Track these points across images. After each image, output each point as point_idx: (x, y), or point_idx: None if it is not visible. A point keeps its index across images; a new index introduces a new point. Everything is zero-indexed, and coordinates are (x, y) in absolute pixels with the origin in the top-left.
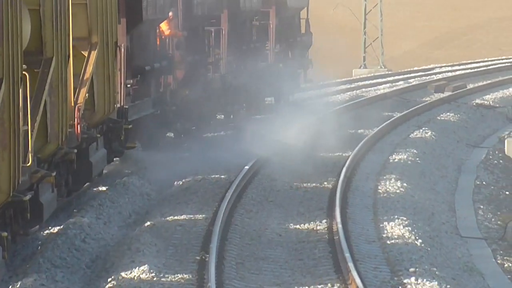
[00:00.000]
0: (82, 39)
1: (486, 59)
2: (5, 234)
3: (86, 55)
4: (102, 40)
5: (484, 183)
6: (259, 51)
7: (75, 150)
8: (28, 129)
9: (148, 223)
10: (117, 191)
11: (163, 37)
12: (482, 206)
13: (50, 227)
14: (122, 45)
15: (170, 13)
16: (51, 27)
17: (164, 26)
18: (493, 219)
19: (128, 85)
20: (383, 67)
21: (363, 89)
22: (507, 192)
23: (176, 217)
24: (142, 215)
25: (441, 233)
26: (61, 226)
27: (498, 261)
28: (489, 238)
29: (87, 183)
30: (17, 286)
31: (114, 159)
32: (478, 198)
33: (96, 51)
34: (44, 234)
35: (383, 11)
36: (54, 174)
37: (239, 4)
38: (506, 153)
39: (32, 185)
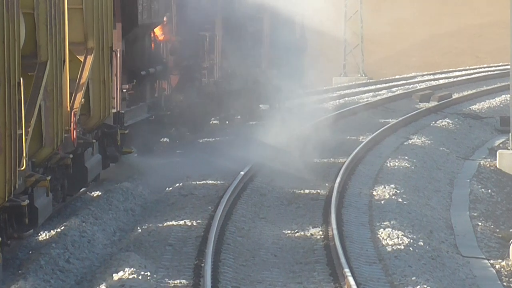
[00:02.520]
0: (78, 43)
1: (468, 67)
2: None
3: (82, 60)
4: (98, 45)
5: (479, 198)
6: (253, 56)
7: (71, 155)
8: (22, 133)
9: (135, 242)
10: (100, 207)
11: (157, 42)
12: (479, 223)
13: (32, 246)
14: (118, 50)
15: (165, 18)
16: (46, 30)
17: (158, 31)
18: (492, 237)
19: (124, 90)
20: (363, 75)
21: (346, 98)
22: (503, 208)
23: (164, 236)
24: (128, 232)
25: (442, 252)
26: (44, 245)
27: (504, 283)
28: (491, 257)
29: (83, 188)
30: None
31: (110, 164)
32: (474, 214)
33: (92, 56)
34: (25, 254)
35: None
36: (49, 178)
37: (233, 10)
38: (498, 166)
39: (27, 189)
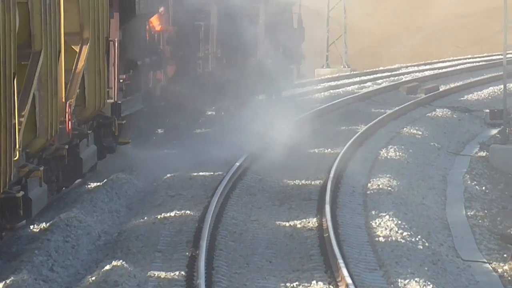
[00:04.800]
0: (73, 34)
1: (452, 58)
2: (41, 168)
3: (77, 50)
4: (93, 35)
5: (473, 195)
6: (249, 46)
7: (66, 146)
8: (15, 123)
9: (122, 247)
10: (84, 208)
11: (153, 32)
12: (476, 223)
13: (12, 253)
14: (116, 39)
15: (162, 8)
16: (40, 20)
17: (155, 21)
18: (491, 238)
19: (121, 80)
20: (346, 66)
21: (331, 91)
22: (499, 206)
23: (153, 241)
24: (113, 235)
25: (442, 256)
26: (26, 251)
27: None
28: (493, 260)
29: (78, 180)
30: None
31: (107, 155)
32: (470, 213)
33: (87, 46)
34: (5, 261)
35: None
36: (42, 168)
37: (227, 2)
38: (490, 161)
39: (20, 180)
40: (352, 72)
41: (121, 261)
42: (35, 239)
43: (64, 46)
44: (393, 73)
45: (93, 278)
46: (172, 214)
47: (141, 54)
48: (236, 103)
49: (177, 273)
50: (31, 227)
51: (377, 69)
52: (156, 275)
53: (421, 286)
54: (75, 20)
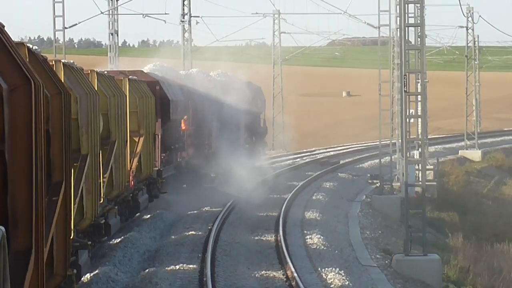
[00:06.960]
0: (134, 131)
1: (345, 145)
2: (89, 242)
3: (136, 140)
4: (146, 131)
5: (364, 225)
6: (235, 138)
7: (131, 195)
8: (101, 181)
9: (159, 259)
10: (134, 235)
11: (180, 129)
12: (368, 242)
13: (97, 259)
14: (159, 134)
15: (185, 116)
16: (115, 123)
17: (182, 123)
18: (378, 251)
19: (162, 157)
20: (284, 149)
21: (276, 164)
22: (379, 231)
23: (177, 256)
24: (152, 252)
25: (350, 263)
26: (102, 260)
27: (391, 282)
28: (380, 266)
29: (137, 214)
30: None
31: (154, 200)
32: (364, 236)
33: (142, 138)
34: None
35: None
36: (116, 207)
37: (222, 113)
38: (372, 205)
39: (104, 214)
40: (287, 153)
41: (158, 268)
42: (105, 255)
43: (129, 138)
44: (312, 153)
45: (141, 276)
46: (188, 238)
47: (173, 142)
48: (227, 170)
49: (194, 267)
50: (103, 245)
51: (302, 150)
52: (181, 274)
53: (342, 281)
54: (135, 123)
